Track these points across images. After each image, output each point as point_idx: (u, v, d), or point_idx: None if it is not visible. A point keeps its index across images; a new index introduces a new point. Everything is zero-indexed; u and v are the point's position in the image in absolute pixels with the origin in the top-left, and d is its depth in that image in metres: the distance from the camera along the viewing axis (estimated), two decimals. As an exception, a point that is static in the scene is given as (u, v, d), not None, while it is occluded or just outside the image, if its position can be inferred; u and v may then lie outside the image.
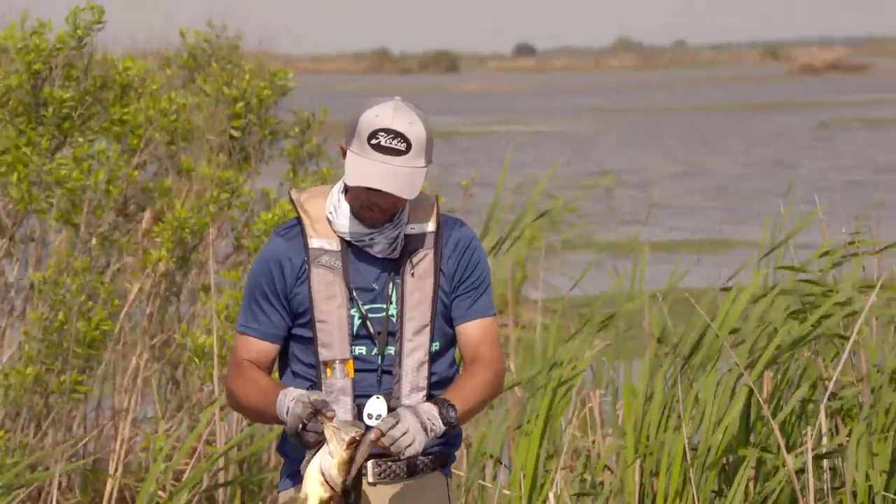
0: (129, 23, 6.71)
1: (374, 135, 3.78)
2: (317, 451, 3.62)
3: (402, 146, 3.78)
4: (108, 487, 5.77)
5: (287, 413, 3.69)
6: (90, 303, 5.78)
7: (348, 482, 3.61)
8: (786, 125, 39.50)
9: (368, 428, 3.72)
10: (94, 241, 6.01)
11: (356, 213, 3.85)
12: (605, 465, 5.61)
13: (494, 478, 5.93)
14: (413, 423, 3.67)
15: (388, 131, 3.78)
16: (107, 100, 6.33)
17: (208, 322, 6.03)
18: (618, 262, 16.16)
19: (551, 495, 5.31)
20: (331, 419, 3.63)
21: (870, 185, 24.01)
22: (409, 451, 3.67)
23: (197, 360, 5.96)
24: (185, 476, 5.62)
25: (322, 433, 3.61)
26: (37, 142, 6.08)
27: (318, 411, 3.65)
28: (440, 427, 3.72)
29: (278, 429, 6.02)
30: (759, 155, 31.06)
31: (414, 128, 3.80)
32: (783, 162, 29.37)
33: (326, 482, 3.59)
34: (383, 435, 3.65)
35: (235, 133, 6.54)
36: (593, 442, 5.78)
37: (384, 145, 3.77)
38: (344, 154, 3.84)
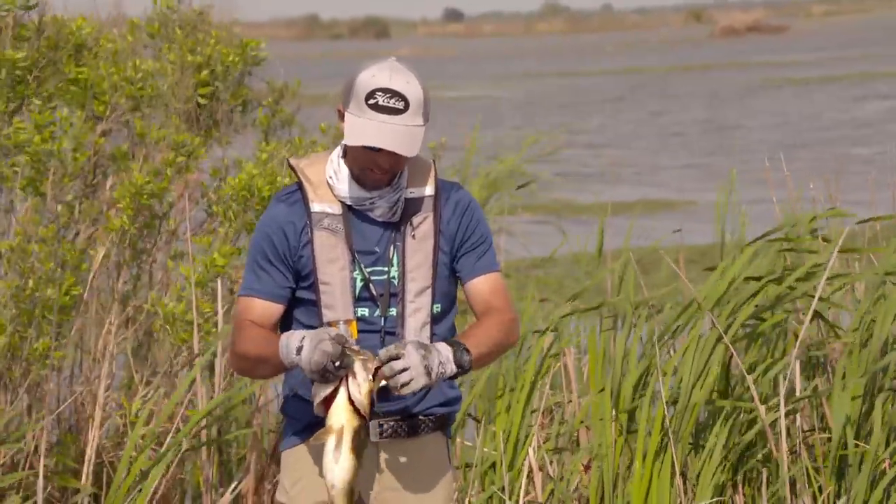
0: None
1: (371, 94, 3.82)
2: (334, 388, 3.67)
3: (401, 105, 3.82)
4: (88, 453, 5.78)
5: (300, 352, 3.72)
6: (58, 269, 5.76)
7: (372, 410, 3.70)
8: (715, 86, 39.76)
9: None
10: (59, 208, 5.98)
11: (356, 177, 3.90)
12: (582, 421, 5.70)
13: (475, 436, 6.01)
14: (416, 363, 3.69)
15: (385, 90, 3.82)
16: (61, 60, 6.29)
17: (179, 289, 6.03)
18: (563, 224, 16.28)
19: (531, 451, 5.38)
20: (358, 352, 3.69)
21: (812, 143, 24.26)
22: (405, 391, 3.71)
23: (168, 328, 5.96)
24: (166, 441, 5.64)
25: (349, 367, 3.67)
26: (-9, 105, 6.04)
27: (343, 346, 3.69)
28: (451, 370, 3.75)
29: (254, 387, 6.08)
30: (695, 116, 31.27)
31: (411, 87, 3.84)
32: (718, 122, 29.59)
33: (356, 410, 3.65)
34: (382, 364, 3.69)
35: (202, 101, 6.52)
36: (569, 401, 5.86)
37: (382, 104, 3.81)
38: (341, 117, 3.88)
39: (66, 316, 5.79)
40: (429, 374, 3.70)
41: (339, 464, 3.68)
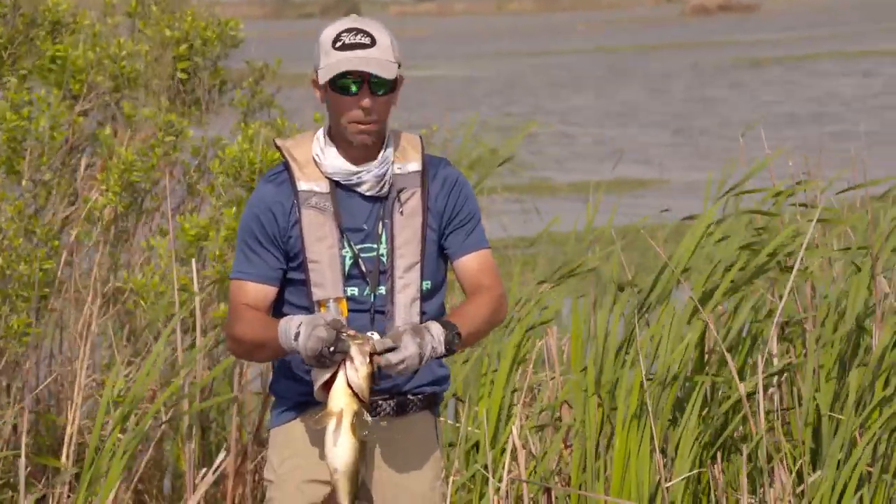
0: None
1: (337, 38, 3.84)
2: (333, 373, 3.71)
3: (367, 40, 3.83)
4: (68, 431, 5.77)
5: (297, 338, 3.73)
6: (29, 246, 5.74)
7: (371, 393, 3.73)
8: (690, 64, 39.81)
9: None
10: (24, 183, 5.94)
11: (343, 139, 3.88)
12: (566, 401, 5.71)
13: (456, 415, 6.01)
14: (412, 356, 3.72)
15: (349, 30, 3.84)
16: (37, 37, 6.26)
17: (152, 267, 6.01)
18: (539, 204, 16.29)
19: (514, 429, 5.40)
20: (354, 336, 3.70)
21: (792, 121, 24.33)
22: (397, 375, 3.77)
23: (142, 303, 5.94)
24: (145, 416, 5.63)
25: (346, 352, 3.69)
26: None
27: (338, 331, 3.70)
28: (441, 351, 3.77)
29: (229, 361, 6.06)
30: (672, 95, 31.32)
31: (375, 29, 3.87)
32: (696, 100, 29.64)
33: (355, 394, 3.68)
34: (378, 354, 3.71)
35: (183, 76, 6.50)
36: (552, 378, 5.88)
37: (349, 42, 3.83)
38: (315, 84, 3.89)
39: (42, 291, 5.76)
40: (421, 358, 3.74)
41: (339, 446, 3.71)
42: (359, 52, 3.81)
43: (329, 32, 3.86)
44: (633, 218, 9.79)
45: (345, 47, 3.82)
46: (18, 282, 5.59)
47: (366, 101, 3.82)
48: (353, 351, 3.68)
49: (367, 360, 3.69)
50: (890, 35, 47.08)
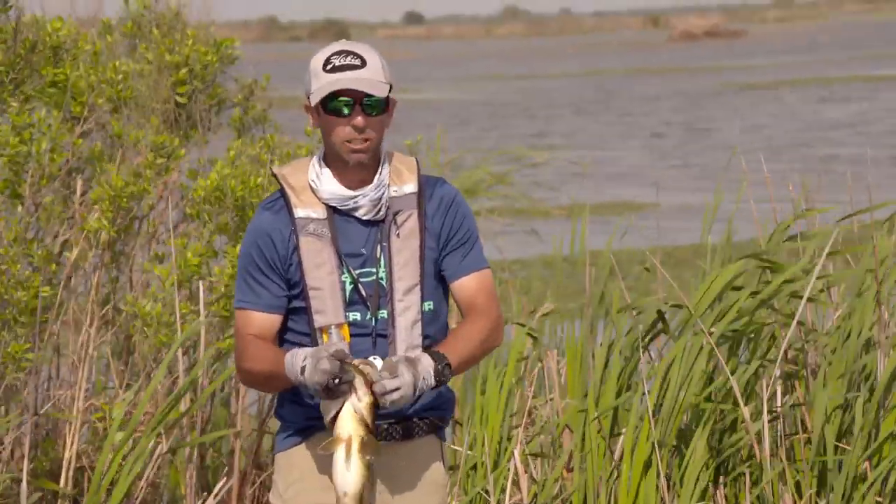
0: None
1: (327, 61, 3.84)
2: (341, 402, 3.73)
3: (357, 62, 3.83)
4: (67, 456, 5.75)
5: (304, 372, 3.74)
6: (28, 272, 5.72)
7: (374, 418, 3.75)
8: (678, 89, 39.93)
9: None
10: (20, 208, 5.93)
11: (339, 157, 3.87)
12: (567, 425, 5.70)
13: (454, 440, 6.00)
14: (407, 384, 3.73)
15: (339, 52, 3.85)
16: (38, 62, 6.25)
17: (154, 291, 6.00)
18: (535, 226, 16.31)
19: (516, 453, 5.38)
20: (357, 367, 3.71)
21: (783, 145, 24.38)
22: (391, 407, 3.75)
23: (146, 330, 5.93)
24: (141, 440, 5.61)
25: (352, 382, 3.70)
26: (-33, 108, 6.00)
27: (342, 362, 3.71)
28: (431, 384, 3.77)
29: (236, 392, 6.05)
30: (660, 119, 31.39)
31: (365, 50, 3.87)
32: (685, 125, 29.71)
33: (362, 421, 3.71)
34: (374, 383, 3.71)
35: (181, 100, 6.49)
36: (551, 400, 5.86)
37: (339, 64, 3.83)
38: (308, 109, 3.89)
39: (42, 318, 5.75)
40: (415, 388, 3.74)
41: (349, 472, 3.72)
42: (349, 74, 3.81)
43: (319, 57, 3.87)
44: (625, 241, 9.82)
45: (335, 69, 3.82)
46: (16, 307, 5.57)
47: (358, 120, 3.82)
48: (357, 382, 3.70)
49: (369, 389, 3.71)
50: (870, 62, 47.32)
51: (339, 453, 3.72)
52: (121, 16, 6.72)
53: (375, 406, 3.72)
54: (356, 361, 3.73)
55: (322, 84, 3.82)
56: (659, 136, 27.92)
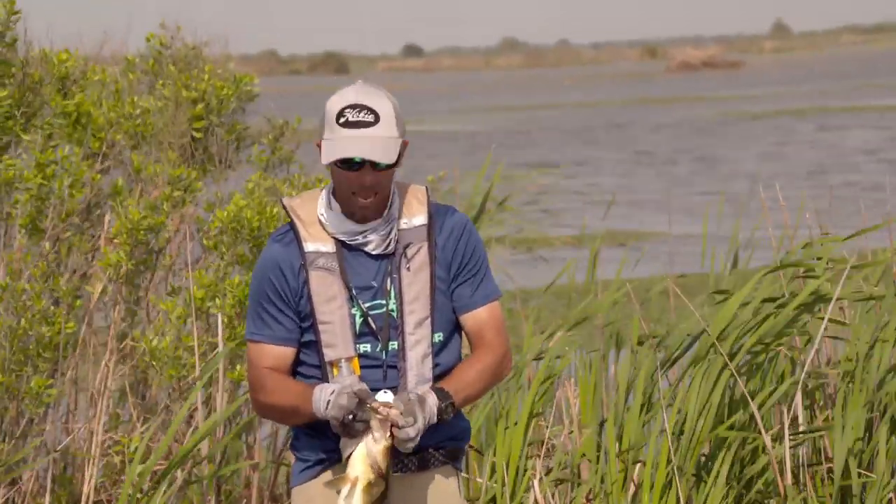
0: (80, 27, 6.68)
1: (340, 114, 3.82)
2: (357, 439, 3.74)
3: (370, 118, 3.82)
4: (85, 490, 5.75)
5: (328, 406, 3.76)
6: (52, 308, 5.75)
7: (390, 467, 3.75)
8: (679, 119, 40.01)
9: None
10: (46, 245, 5.97)
11: (346, 208, 3.88)
12: (584, 454, 5.71)
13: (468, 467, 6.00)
14: (421, 426, 3.77)
15: (353, 106, 3.82)
16: (47, 94, 6.30)
17: (161, 324, 6.02)
18: (534, 258, 16.30)
19: (535, 484, 5.39)
20: (376, 409, 3.71)
21: (784, 174, 24.39)
22: (404, 448, 3.78)
23: (154, 364, 5.95)
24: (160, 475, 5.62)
25: (368, 422, 3.71)
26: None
27: (362, 400, 3.72)
28: (433, 422, 3.81)
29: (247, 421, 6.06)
30: (663, 148, 31.42)
31: (380, 101, 3.84)
32: (688, 154, 29.73)
33: (372, 466, 3.70)
34: (399, 427, 3.73)
35: (197, 135, 6.53)
36: (571, 433, 5.86)
37: (352, 120, 3.81)
38: (318, 146, 3.87)
39: (64, 353, 5.77)
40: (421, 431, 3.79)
41: None
42: (362, 132, 3.80)
43: (335, 105, 3.85)
44: (632, 270, 9.83)
45: (348, 124, 3.81)
46: (39, 342, 5.59)
47: (367, 179, 3.83)
48: (374, 423, 3.71)
49: (387, 433, 3.72)
50: (870, 92, 47.43)
51: (343, 492, 3.73)
52: (141, 53, 6.77)
53: (393, 450, 3.73)
54: (377, 404, 3.73)
55: (335, 139, 3.82)
56: (665, 165, 27.96)
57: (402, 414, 3.74)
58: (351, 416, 3.71)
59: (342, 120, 3.81)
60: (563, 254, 16.42)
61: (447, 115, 46.85)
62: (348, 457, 3.76)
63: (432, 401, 3.79)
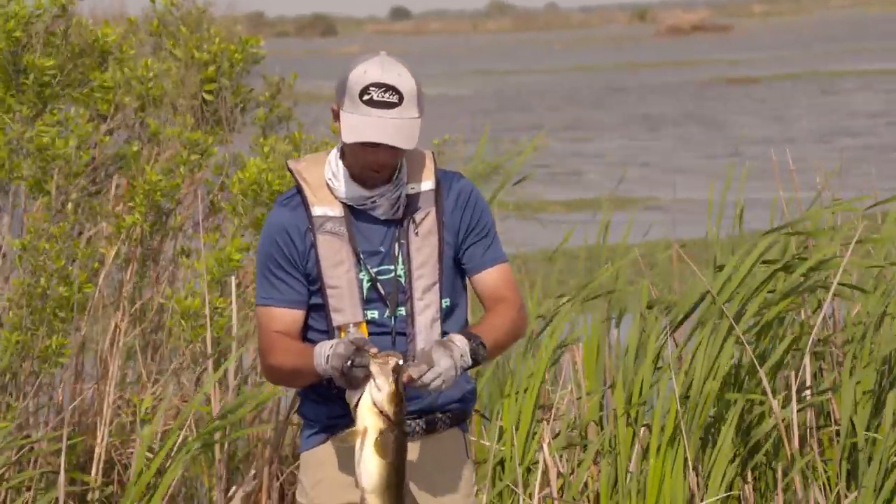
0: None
1: (365, 90, 3.82)
2: (361, 389, 3.71)
3: (395, 98, 3.82)
4: (97, 451, 5.80)
5: (328, 360, 3.76)
6: (69, 268, 5.78)
7: (401, 412, 3.71)
8: (672, 83, 39.97)
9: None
10: (69, 206, 6.00)
11: (356, 176, 3.90)
12: (593, 420, 5.76)
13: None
14: (448, 367, 3.73)
15: (378, 85, 3.82)
16: (84, 66, 6.31)
17: (192, 285, 6.06)
18: (530, 222, 16.32)
19: (545, 447, 5.44)
20: (374, 355, 3.71)
21: (799, 137, 24.36)
22: (433, 390, 3.73)
23: (183, 322, 5.99)
24: (175, 438, 5.65)
25: (368, 368, 3.69)
26: (17, 109, 6.06)
27: (360, 348, 3.72)
28: (468, 363, 3.78)
29: (267, 393, 6.10)
30: (657, 112, 31.40)
31: (404, 80, 3.85)
32: (684, 118, 29.71)
33: (381, 413, 3.69)
34: (415, 380, 3.71)
35: (209, 97, 6.54)
36: (578, 397, 5.92)
37: (377, 99, 3.81)
38: (336, 116, 3.88)
39: (80, 313, 5.81)
40: (456, 370, 3.74)
41: (364, 464, 3.71)
42: (386, 113, 3.81)
43: (358, 77, 3.84)
44: (633, 235, 9.85)
45: (372, 103, 3.81)
46: (56, 302, 5.63)
47: (384, 157, 3.85)
48: (374, 370, 3.69)
49: (391, 378, 3.68)
50: (861, 56, 47.41)
51: (357, 446, 3.71)
52: (147, 14, 6.78)
53: (400, 396, 3.69)
54: (374, 350, 3.71)
55: (357, 117, 3.81)
56: (665, 129, 27.94)
57: (414, 363, 3.72)
58: (349, 363, 3.70)
59: (366, 97, 3.81)
60: (559, 218, 16.44)
61: (437, 78, 46.75)
62: (355, 406, 3.74)
63: (461, 340, 3.77)
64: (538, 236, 15.25)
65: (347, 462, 3.87)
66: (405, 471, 3.75)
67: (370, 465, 3.69)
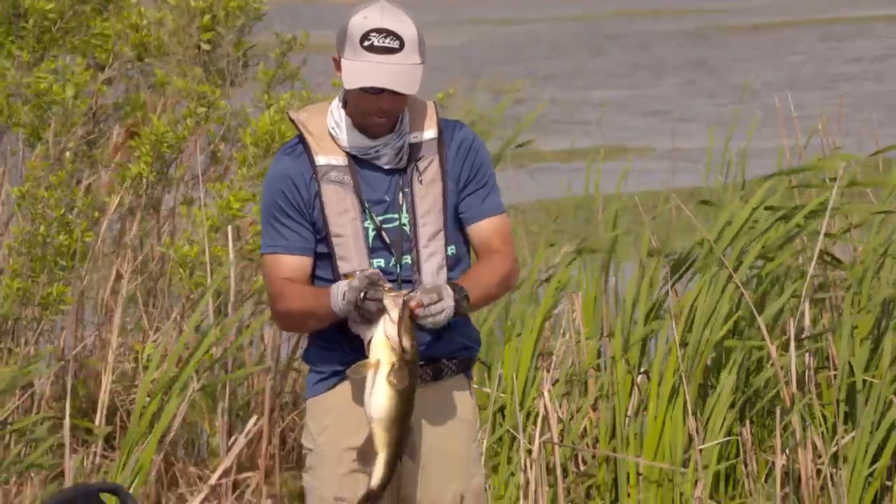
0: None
1: (365, 36, 3.82)
2: (376, 325, 3.75)
3: (396, 44, 3.82)
4: (101, 397, 5.84)
5: (344, 296, 3.79)
6: (69, 216, 5.81)
7: (413, 346, 3.75)
8: (673, 30, 39.81)
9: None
10: (67, 155, 6.01)
11: (359, 125, 3.91)
12: (597, 367, 5.80)
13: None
14: (449, 306, 3.78)
15: (379, 31, 3.82)
16: (84, 13, 6.31)
17: (189, 234, 6.08)
18: (525, 172, 16.31)
19: (546, 393, 5.48)
20: (389, 289, 3.75)
21: (805, 85, 24.28)
22: (430, 326, 3.78)
23: (182, 271, 6.01)
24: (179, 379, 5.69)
25: (381, 302, 3.73)
26: (17, 55, 6.06)
27: (374, 282, 3.76)
28: (450, 314, 3.81)
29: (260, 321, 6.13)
30: (658, 61, 31.29)
31: (404, 25, 3.85)
32: (688, 66, 29.60)
33: (394, 347, 3.74)
34: (423, 306, 3.75)
35: (206, 46, 6.54)
36: (577, 342, 5.96)
37: (378, 45, 3.82)
38: (338, 66, 3.88)
39: (80, 262, 5.83)
40: (450, 314, 3.79)
41: (374, 396, 3.76)
42: (386, 58, 3.81)
43: (358, 23, 3.84)
44: (627, 185, 9.87)
45: (373, 49, 3.81)
46: (57, 250, 5.65)
47: (386, 103, 3.85)
48: (388, 304, 3.72)
49: (404, 312, 3.72)
50: (859, 3, 47.20)
51: (368, 379, 3.76)
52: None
53: (412, 330, 3.73)
54: (389, 286, 3.75)
55: (358, 64, 3.81)
56: (666, 76, 27.82)
57: (424, 292, 3.75)
58: (362, 295, 3.73)
59: (367, 44, 3.81)
60: (557, 167, 16.44)
61: (433, 28, 46.59)
62: (369, 343, 3.79)
63: (447, 292, 3.80)
64: (535, 186, 15.26)
65: (354, 408, 3.92)
66: (413, 405, 3.80)
67: (380, 397, 3.75)
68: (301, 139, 3.95)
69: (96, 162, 6.20)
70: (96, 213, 5.97)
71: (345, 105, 3.93)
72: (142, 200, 6.20)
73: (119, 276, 6.26)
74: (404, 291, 3.78)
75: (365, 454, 3.81)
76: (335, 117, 3.93)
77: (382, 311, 3.74)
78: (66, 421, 5.20)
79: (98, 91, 6.29)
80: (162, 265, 6.29)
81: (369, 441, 3.78)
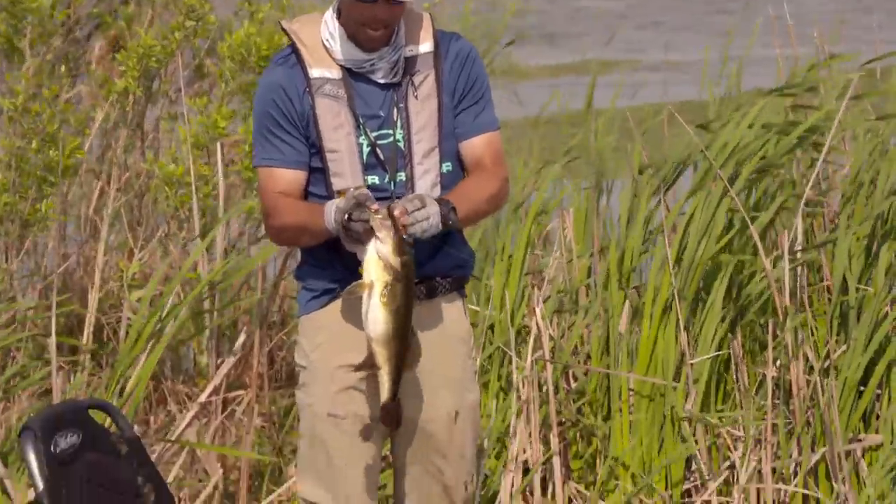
0: None
1: None
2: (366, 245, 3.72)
3: None
4: (88, 316, 5.78)
5: (333, 217, 3.74)
6: (61, 131, 5.71)
7: (406, 263, 3.71)
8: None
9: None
10: (63, 69, 5.91)
11: (354, 37, 3.82)
12: (589, 286, 5.76)
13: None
14: (434, 213, 3.73)
15: None
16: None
17: (173, 151, 6.00)
18: (509, 89, 16.17)
19: (538, 310, 5.44)
20: (376, 211, 3.69)
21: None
22: (417, 234, 3.72)
23: (167, 189, 5.94)
24: (165, 304, 5.63)
25: (368, 222, 3.68)
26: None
27: (360, 203, 3.70)
28: (438, 226, 3.76)
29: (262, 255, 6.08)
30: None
31: None
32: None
33: (386, 265, 3.71)
34: (407, 213, 3.70)
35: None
36: (569, 260, 5.90)
37: None
38: None
39: (67, 177, 5.75)
40: (436, 224, 3.74)
41: (370, 315, 3.74)
42: None
43: None
44: (623, 99, 9.75)
45: None
46: (47, 166, 5.57)
47: (382, 12, 3.77)
48: (375, 224, 3.68)
49: (392, 230, 3.68)
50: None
51: (364, 298, 3.74)
52: None
53: (403, 247, 3.70)
54: (375, 206, 3.70)
55: None
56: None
57: (406, 201, 3.71)
58: (347, 217, 3.69)
59: None
60: (547, 83, 16.31)
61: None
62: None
63: (430, 199, 3.76)
64: (524, 102, 15.11)
65: (347, 325, 3.90)
66: (411, 320, 3.77)
67: (377, 316, 3.73)
68: (294, 49, 3.86)
69: (76, 76, 6.10)
70: (87, 131, 5.88)
71: (339, 16, 3.84)
72: (128, 116, 6.10)
73: (103, 193, 6.18)
74: (390, 207, 3.72)
75: (367, 371, 3.80)
76: (329, 28, 3.85)
77: (371, 231, 3.70)
78: (53, 338, 5.15)
79: (74, 2, 6.17)
80: (146, 182, 6.21)
81: (370, 358, 3.78)
